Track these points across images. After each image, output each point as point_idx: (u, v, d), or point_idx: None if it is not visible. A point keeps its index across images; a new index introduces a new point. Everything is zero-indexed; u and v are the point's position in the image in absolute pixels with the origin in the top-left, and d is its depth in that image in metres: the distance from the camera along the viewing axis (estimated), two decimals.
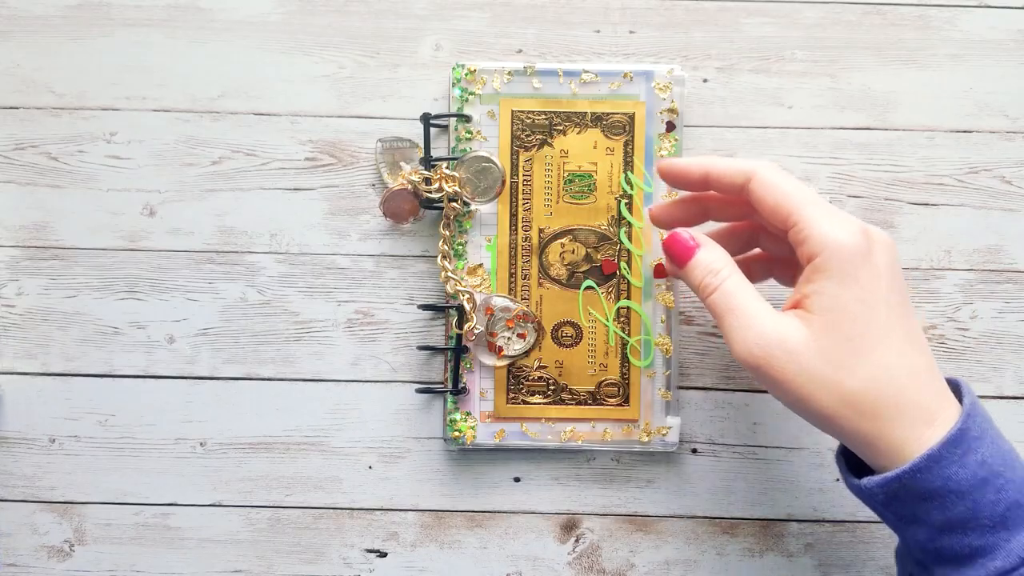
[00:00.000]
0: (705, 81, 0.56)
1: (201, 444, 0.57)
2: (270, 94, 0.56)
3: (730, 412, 0.57)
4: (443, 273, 0.53)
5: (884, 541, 0.57)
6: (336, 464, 0.57)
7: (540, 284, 0.53)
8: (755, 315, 0.42)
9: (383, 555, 0.57)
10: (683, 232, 0.46)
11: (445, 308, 0.54)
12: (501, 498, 0.57)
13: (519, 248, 0.53)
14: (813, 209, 0.42)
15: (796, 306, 0.42)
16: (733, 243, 0.51)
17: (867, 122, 0.57)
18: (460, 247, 0.53)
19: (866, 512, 0.56)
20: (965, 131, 0.57)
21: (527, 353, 0.53)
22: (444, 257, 0.53)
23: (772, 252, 0.50)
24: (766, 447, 0.57)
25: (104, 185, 0.56)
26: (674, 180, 0.48)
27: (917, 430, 0.41)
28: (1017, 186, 0.57)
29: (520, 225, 0.52)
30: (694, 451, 0.57)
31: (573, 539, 0.57)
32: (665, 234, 0.47)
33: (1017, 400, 0.57)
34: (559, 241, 0.52)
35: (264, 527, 0.57)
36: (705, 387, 0.57)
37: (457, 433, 0.54)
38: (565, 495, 0.57)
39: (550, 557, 0.57)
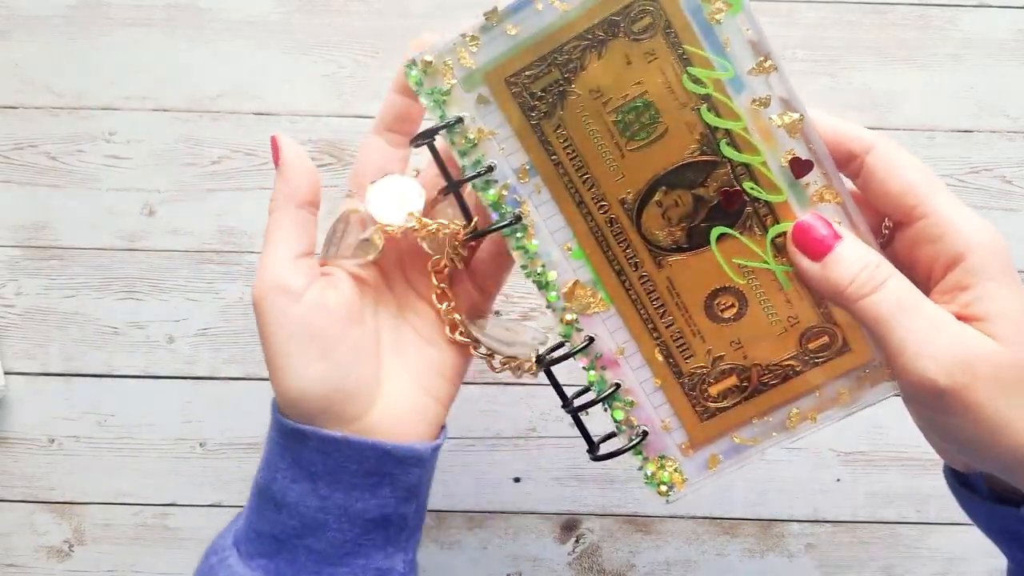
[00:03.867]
0: None
1: (201, 444, 0.56)
2: (270, 94, 0.56)
3: None
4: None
5: (884, 541, 0.57)
6: None
7: (659, 265, 0.39)
8: (940, 321, 0.33)
9: None
10: (814, 219, 0.36)
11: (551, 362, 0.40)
12: (501, 498, 0.57)
13: (609, 236, 0.39)
14: (946, 199, 0.34)
15: (960, 318, 0.34)
16: None
17: (867, 122, 0.57)
18: (540, 277, 0.39)
19: (866, 512, 0.56)
20: (966, 131, 0.57)
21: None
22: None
23: None
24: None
25: (103, 185, 0.56)
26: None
27: None
28: (1017, 186, 0.56)
29: (594, 209, 0.39)
30: None
31: (573, 539, 0.57)
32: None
33: None
34: (652, 202, 0.39)
35: None
36: None
37: (664, 488, 0.41)
38: (565, 495, 0.57)
39: (550, 557, 0.57)
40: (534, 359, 0.40)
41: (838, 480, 0.56)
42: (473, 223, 0.38)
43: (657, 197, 0.39)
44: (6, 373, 0.56)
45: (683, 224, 0.39)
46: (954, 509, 0.55)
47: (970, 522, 0.42)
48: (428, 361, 0.40)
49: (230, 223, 0.56)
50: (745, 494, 0.57)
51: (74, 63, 0.56)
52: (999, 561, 0.43)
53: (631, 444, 0.40)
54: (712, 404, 0.41)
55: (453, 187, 0.38)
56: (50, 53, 0.56)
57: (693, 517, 0.57)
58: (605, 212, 0.39)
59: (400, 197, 0.39)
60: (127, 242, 0.56)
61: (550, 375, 0.39)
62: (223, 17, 0.56)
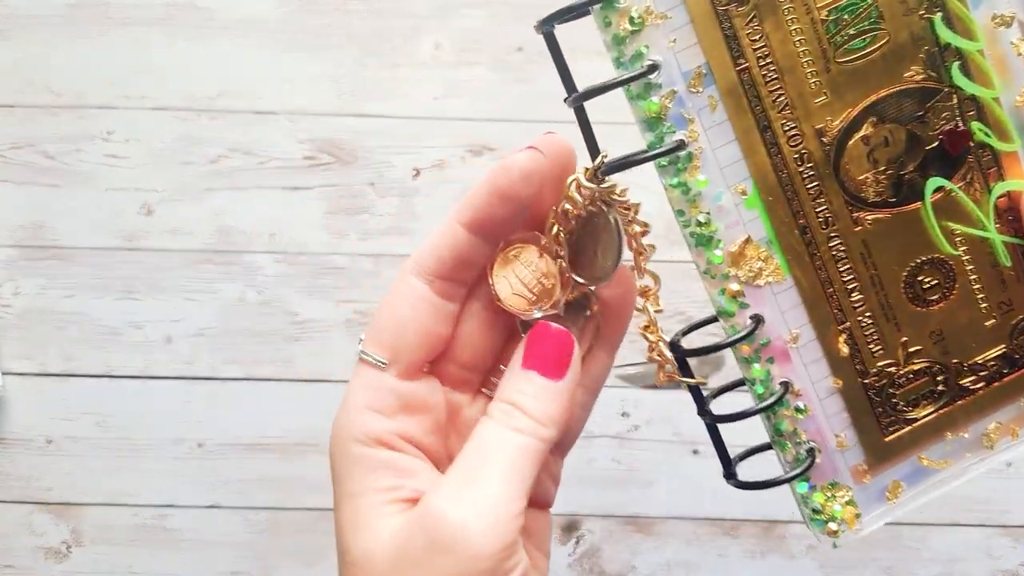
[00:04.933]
0: None
1: (199, 445, 0.56)
2: (269, 93, 0.56)
3: None
4: (650, 330, 0.29)
5: (885, 543, 0.57)
6: None
7: (856, 223, 0.30)
8: None
9: None
10: None
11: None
12: None
13: (797, 179, 0.29)
14: None
15: None
16: None
17: None
18: (702, 228, 0.29)
19: (867, 514, 0.56)
20: None
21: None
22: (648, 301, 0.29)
23: None
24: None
25: (102, 184, 0.56)
26: None
27: None
28: None
29: (783, 139, 0.29)
30: (695, 452, 0.56)
31: (573, 540, 0.57)
32: None
33: None
34: (858, 136, 0.30)
35: (263, 529, 0.56)
36: None
37: (834, 527, 0.32)
38: (565, 495, 0.56)
39: (550, 558, 0.57)
40: (667, 342, 0.29)
41: None
42: (601, 156, 0.27)
43: (865, 130, 0.30)
44: (4, 373, 0.56)
45: (890, 171, 0.30)
46: (954, 509, 0.55)
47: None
48: None
49: (229, 222, 0.56)
50: (746, 495, 0.56)
51: (74, 63, 0.56)
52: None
53: (800, 470, 0.30)
54: (901, 414, 0.32)
55: (581, 97, 0.27)
56: (50, 53, 0.56)
57: (693, 518, 0.57)
58: (797, 145, 0.29)
59: (533, 281, 0.29)
60: (126, 242, 0.56)
61: (685, 367, 0.29)
62: (222, 17, 0.56)
